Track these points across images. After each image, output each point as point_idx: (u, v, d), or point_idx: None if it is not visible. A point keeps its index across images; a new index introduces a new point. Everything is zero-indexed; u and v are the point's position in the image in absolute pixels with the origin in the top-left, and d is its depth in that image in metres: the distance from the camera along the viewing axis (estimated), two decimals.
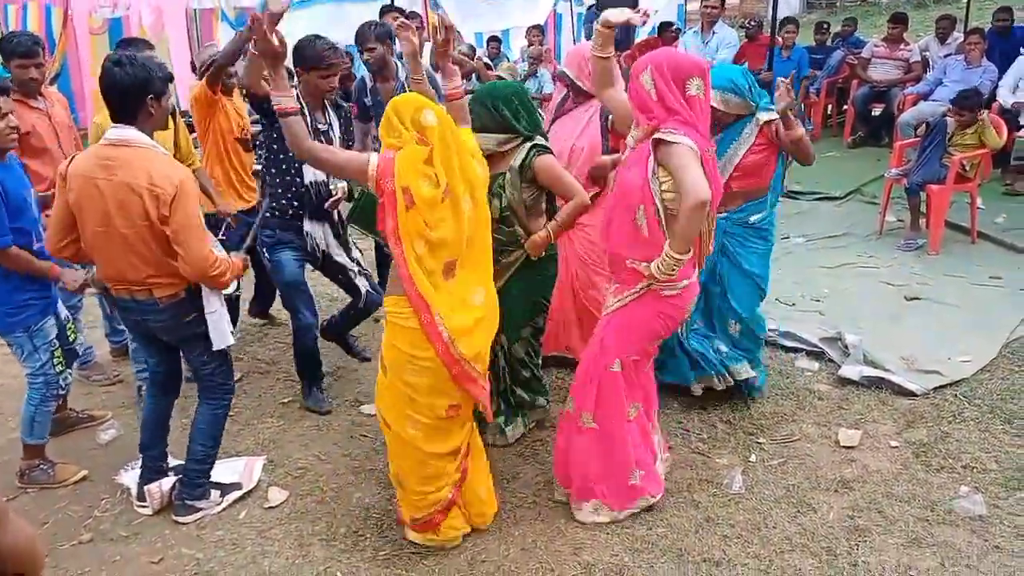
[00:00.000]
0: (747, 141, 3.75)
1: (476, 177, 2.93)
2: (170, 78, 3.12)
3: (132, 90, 2.90)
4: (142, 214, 2.89)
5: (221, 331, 3.17)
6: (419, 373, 2.89)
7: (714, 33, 8.16)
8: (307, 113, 3.76)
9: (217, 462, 3.49)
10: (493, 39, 10.07)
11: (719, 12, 8.31)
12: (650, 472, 3.30)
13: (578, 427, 3.23)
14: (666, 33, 9.98)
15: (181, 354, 3.39)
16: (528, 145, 3.49)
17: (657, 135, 2.91)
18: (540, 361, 3.94)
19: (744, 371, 3.99)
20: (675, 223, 2.91)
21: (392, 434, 3.04)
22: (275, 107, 2.98)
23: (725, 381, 3.98)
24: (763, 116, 3.74)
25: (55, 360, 3.51)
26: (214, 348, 3.18)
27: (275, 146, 3.91)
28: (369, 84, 4.81)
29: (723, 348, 3.98)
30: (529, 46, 9.75)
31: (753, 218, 3.87)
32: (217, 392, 3.37)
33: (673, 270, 2.93)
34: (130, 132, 2.94)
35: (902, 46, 9.32)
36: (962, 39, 8.70)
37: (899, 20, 9.38)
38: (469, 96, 3.51)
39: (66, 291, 3.96)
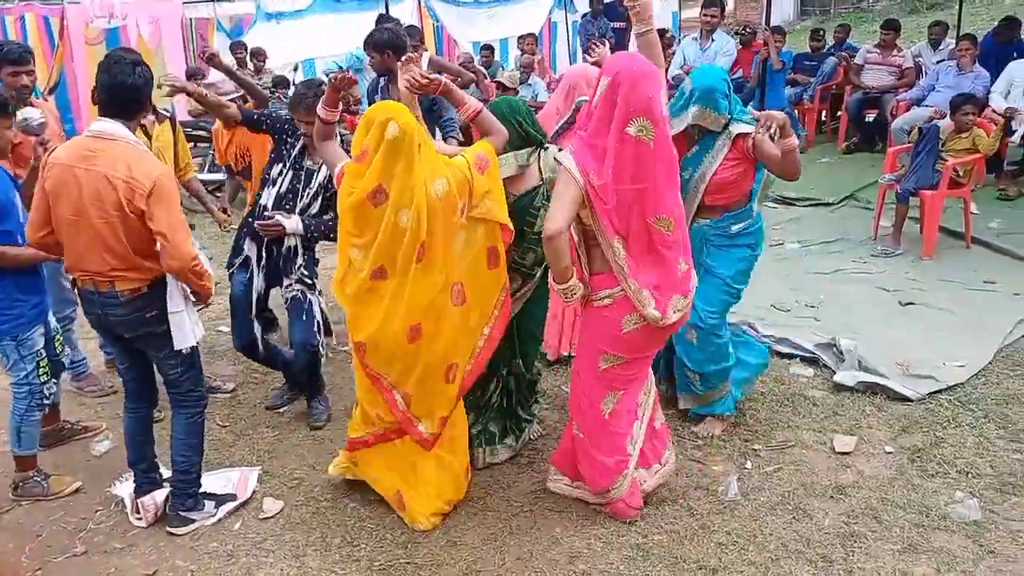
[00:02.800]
0: (720, 154, 3.56)
1: (425, 198, 2.95)
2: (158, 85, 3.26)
3: (143, 90, 3.06)
4: (116, 204, 2.93)
5: (183, 331, 3.12)
6: None
7: (713, 41, 8.17)
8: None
9: (211, 473, 3.48)
10: (486, 48, 10.08)
11: (719, 21, 8.31)
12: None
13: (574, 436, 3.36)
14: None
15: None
16: (552, 151, 3.38)
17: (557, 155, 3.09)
18: None
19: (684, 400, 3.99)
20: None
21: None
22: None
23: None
24: (736, 128, 3.53)
25: (40, 370, 3.51)
26: (175, 347, 3.14)
27: None
28: (381, 84, 5.03)
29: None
30: (522, 54, 9.77)
31: (735, 227, 3.69)
32: (188, 400, 3.34)
33: (565, 295, 3.04)
34: (117, 127, 3.02)
35: (895, 52, 9.36)
36: (954, 45, 8.73)
37: (892, 26, 9.43)
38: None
39: (58, 303, 3.98)
